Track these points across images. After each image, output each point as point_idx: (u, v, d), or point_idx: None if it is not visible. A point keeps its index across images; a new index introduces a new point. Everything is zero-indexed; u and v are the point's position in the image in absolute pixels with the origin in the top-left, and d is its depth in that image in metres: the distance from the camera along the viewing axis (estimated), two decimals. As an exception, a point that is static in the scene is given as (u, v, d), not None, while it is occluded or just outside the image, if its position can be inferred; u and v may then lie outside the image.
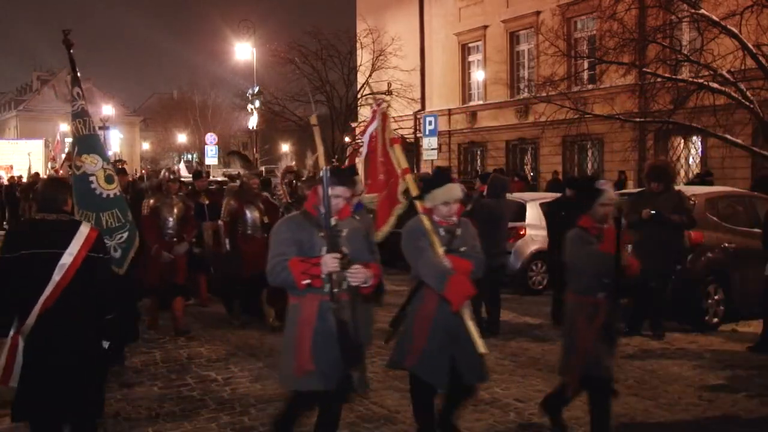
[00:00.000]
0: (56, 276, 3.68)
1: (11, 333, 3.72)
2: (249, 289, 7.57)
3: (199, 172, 10.85)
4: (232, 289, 7.93)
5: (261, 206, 7.76)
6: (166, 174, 7.95)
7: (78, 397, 3.72)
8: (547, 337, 7.38)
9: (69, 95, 5.96)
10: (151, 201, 7.38)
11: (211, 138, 29.93)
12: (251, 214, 7.68)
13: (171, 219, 7.37)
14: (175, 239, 7.34)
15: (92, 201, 5.46)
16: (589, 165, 21.35)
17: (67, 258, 3.71)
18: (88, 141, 5.64)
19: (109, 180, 5.55)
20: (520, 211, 10.12)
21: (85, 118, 5.66)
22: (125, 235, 5.56)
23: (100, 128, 6.75)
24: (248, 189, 7.74)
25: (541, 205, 10.03)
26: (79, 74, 5.75)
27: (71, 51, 5.75)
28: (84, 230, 3.85)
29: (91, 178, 5.48)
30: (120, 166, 12.57)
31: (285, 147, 51.08)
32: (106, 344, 3.96)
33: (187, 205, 7.69)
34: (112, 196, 5.55)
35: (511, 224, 8.67)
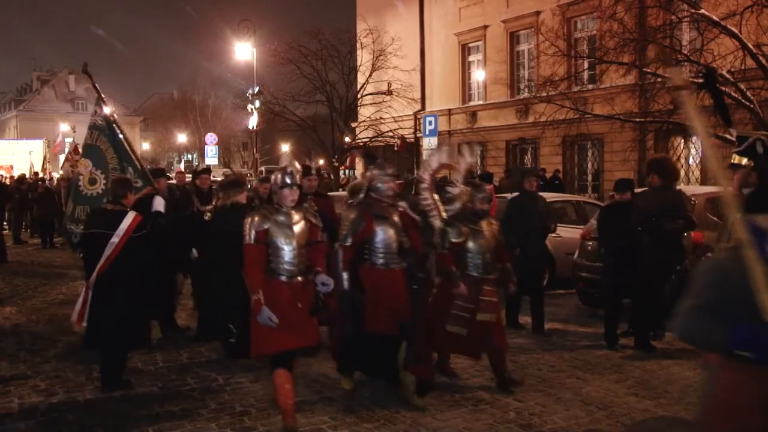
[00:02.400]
0: (107, 251, 5.33)
1: (84, 287, 5.48)
2: (378, 351, 5.14)
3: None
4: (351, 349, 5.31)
5: (398, 222, 5.32)
6: (278, 177, 4.67)
7: (123, 332, 5.46)
8: (544, 340, 7.38)
9: (93, 109, 7.20)
10: (256, 218, 4.58)
11: (211, 138, 29.93)
12: (385, 235, 5.23)
13: (289, 247, 4.59)
14: (299, 278, 4.62)
15: (76, 194, 6.79)
16: (589, 165, 21.35)
17: (115, 239, 5.34)
18: (90, 149, 6.96)
19: (92, 182, 6.79)
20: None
21: (95, 132, 6.94)
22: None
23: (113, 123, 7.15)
24: (380, 198, 5.31)
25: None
26: (103, 96, 7.02)
27: (92, 78, 7.03)
28: (129, 218, 5.43)
29: (79, 177, 6.87)
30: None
31: (285, 147, 51.09)
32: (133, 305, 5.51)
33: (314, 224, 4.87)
34: (92, 194, 6.74)
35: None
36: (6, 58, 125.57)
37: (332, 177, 25.52)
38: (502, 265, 5.86)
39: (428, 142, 21.01)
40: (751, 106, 11.98)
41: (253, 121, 25.96)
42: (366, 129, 27.16)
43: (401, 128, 25.44)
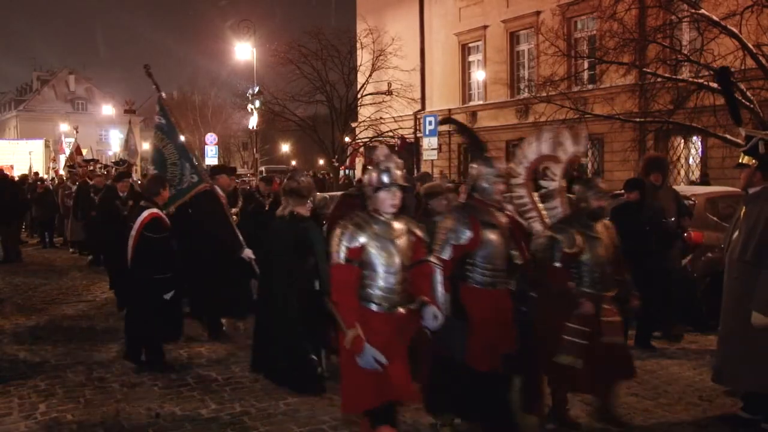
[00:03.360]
0: (129, 243, 5.91)
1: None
2: (483, 392, 4.17)
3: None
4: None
5: (507, 231, 4.35)
6: (373, 176, 3.71)
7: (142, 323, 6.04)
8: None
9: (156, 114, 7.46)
10: (348, 230, 3.62)
11: (211, 138, 29.90)
12: (492, 246, 4.23)
13: (390, 268, 3.65)
14: (401, 309, 3.70)
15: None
16: (590, 165, 21.35)
17: (132, 233, 5.87)
18: (154, 154, 7.36)
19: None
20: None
21: (158, 133, 7.31)
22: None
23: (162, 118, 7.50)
24: (486, 201, 4.34)
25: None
26: (163, 94, 7.47)
27: (153, 77, 7.40)
28: (144, 214, 5.87)
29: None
30: (124, 168, 12.40)
31: (285, 147, 51.09)
32: (168, 295, 5.93)
33: None
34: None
35: None
36: (6, 58, 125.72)
37: (332, 177, 25.55)
38: (621, 278, 4.81)
39: (428, 142, 21.01)
40: (751, 106, 11.98)
41: (253, 121, 25.94)
42: (366, 129, 27.17)
43: (401, 128, 25.44)
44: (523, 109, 22.05)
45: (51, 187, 17.88)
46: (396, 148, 25.88)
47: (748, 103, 11.97)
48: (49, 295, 10.01)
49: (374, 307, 3.58)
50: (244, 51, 26.02)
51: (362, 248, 3.57)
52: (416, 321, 3.67)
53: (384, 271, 3.59)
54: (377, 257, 3.58)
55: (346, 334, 3.44)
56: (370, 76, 25.67)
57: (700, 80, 12.54)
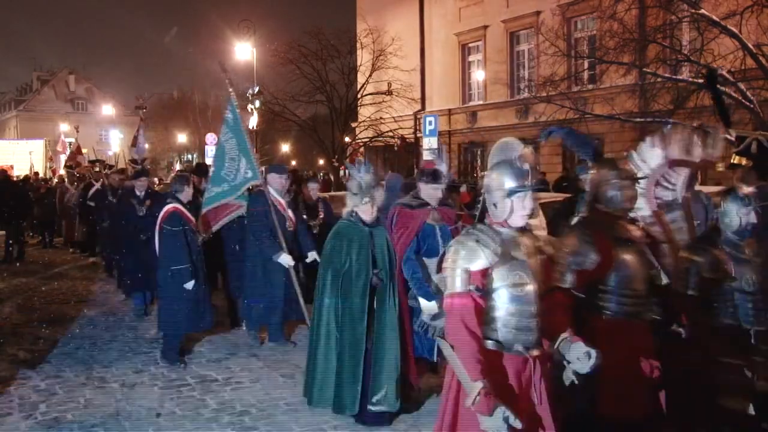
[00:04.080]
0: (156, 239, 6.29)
1: None
2: None
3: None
4: None
5: (645, 248, 3.62)
6: (496, 177, 2.99)
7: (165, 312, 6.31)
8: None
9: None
10: (468, 246, 2.90)
11: (211, 138, 29.86)
12: (629, 269, 3.48)
13: (524, 299, 2.98)
14: (535, 351, 3.02)
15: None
16: (590, 165, 21.32)
17: (156, 228, 6.24)
18: (216, 152, 7.42)
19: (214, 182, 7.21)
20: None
21: (224, 128, 7.33)
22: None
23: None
24: (614, 214, 3.60)
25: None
26: (231, 91, 7.44)
27: (228, 73, 7.53)
28: (164, 209, 6.19)
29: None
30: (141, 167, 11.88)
31: (285, 147, 51.09)
32: (188, 285, 6.09)
33: None
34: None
35: None
36: (6, 58, 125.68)
37: (332, 177, 25.54)
38: None
39: (428, 142, 21.01)
40: (751, 106, 11.99)
41: (253, 121, 25.93)
42: (366, 129, 27.17)
43: (401, 128, 25.45)
44: (523, 109, 22.05)
45: (52, 187, 17.87)
46: (396, 148, 25.97)
47: (748, 103, 11.98)
48: (49, 295, 10.01)
49: (503, 350, 2.79)
50: (244, 51, 26.04)
51: (486, 271, 2.78)
52: (550, 364, 2.93)
53: (514, 301, 2.79)
54: (505, 283, 2.79)
55: (468, 388, 2.63)
56: (370, 76, 25.67)
57: (700, 80, 12.54)
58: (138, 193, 8.52)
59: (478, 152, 25.26)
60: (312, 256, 6.74)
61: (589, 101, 17.51)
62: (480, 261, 2.79)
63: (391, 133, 25.55)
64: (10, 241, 13.80)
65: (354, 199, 4.51)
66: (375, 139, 26.48)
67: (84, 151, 22.70)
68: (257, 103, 24.83)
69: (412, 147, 25.60)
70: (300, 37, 27.26)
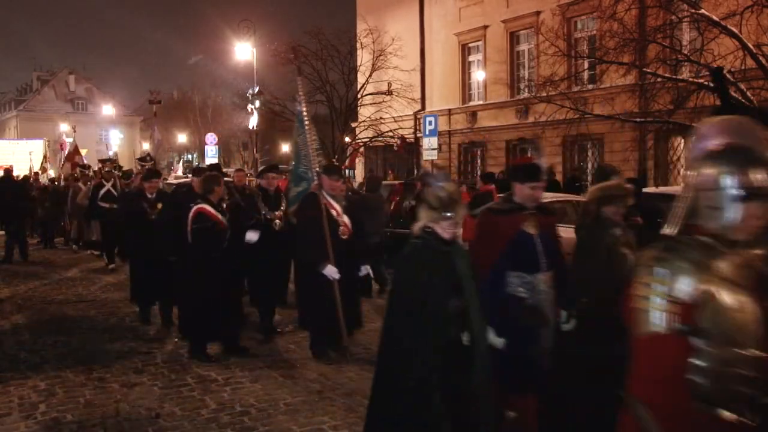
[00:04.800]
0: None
1: None
2: None
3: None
4: None
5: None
6: (716, 175, 2.06)
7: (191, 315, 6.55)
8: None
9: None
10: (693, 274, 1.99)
11: (211, 138, 29.93)
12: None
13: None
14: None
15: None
16: (590, 165, 21.35)
17: (188, 229, 6.33)
18: (294, 150, 7.01)
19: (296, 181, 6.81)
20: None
21: (296, 124, 6.95)
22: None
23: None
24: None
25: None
26: (298, 81, 7.27)
27: (298, 58, 7.22)
28: (192, 210, 6.28)
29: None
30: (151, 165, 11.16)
31: (285, 147, 51.09)
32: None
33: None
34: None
35: None
36: (6, 58, 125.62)
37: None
38: None
39: (428, 142, 21.03)
40: (752, 106, 11.98)
41: (253, 121, 25.99)
42: (366, 129, 27.17)
43: (401, 128, 25.44)
44: (523, 109, 22.05)
45: (56, 186, 17.71)
46: (395, 148, 25.96)
47: (748, 103, 11.97)
48: (49, 295, 10.01)
49: (720, 412, 1.95)
50: (244, 51, 26.05)
51: (696, 304, 1.96)
52: None
53: (734, 344, 1.94)
54: (722, 319, 1.94)
55: None
56: (370, 76, 25.66)
57: (700, 80, 12.54)
58: (149, 195, 7.87)
59: (478, 152, 25.26)
60: (364, 271, 6.20)
61: (589, 101, 17.51)
62: (691, 287, 1.97)
63: (391, 133, 25.54)
64: (12, 242, 13.75)
65: (431, 213, 3.56)
66: (375, 139, 26.47)
67: (83, 151, 22.67)
68: (257, 103, 24.86)
69: (412, 147, 25.60)
70: (300, 37, 27.33)
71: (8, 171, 15.32)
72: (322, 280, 5.99)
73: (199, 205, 6.35)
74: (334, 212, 6.13)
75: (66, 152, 23.14)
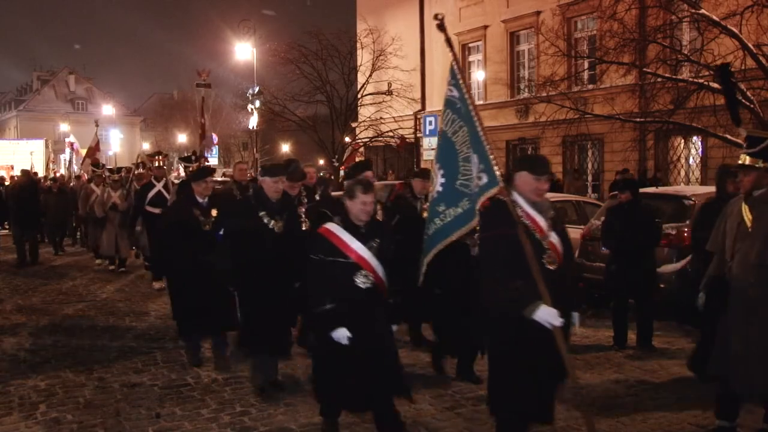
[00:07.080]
0: None
1: None
2: None
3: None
4: None
5: None
6: None
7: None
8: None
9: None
10: None
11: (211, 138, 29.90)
12: None
13: None
14: None
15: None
16: (590, 165, 21.36)
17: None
18: (438, 148, 5.07)
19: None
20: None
21: (447, 111, 4.87)
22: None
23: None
24: None
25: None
26: (450, 56, 4.68)
27: (447, 30, 4.59)
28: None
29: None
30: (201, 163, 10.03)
31: (285, 147, 51.08)
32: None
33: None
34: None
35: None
36: (6, 58, 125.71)
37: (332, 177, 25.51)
38: None
39: (428, 142, 21.02)
40: (752, 106, 11.97)
41: (253, 121, 25.96)
42: (366, 129, 27.17)
43: (401, 128, 25.44)
44: (523, 109, 22.05)
45: (66, 188, 17.40)
46: (395, 148, 25.95)
47: (748, 103, 11.97)
48: (49, 295, 10.01)
49: None
50: (244, 51, 26.04)
51: None
52: None
53: None
54: None
55: None
56: (370, 76, 25.67)
57: (700, 80, 12.53)
58: (200, 200, 6.16)
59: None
60: (575, 319, 3.96)
61: (589, 101, 17.51)
62: None
63: (391, 133, 25.54)
64: (26, 245, 13.27)
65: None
66: (375, 139, 26.46)
67: (83, 151, 22.64)
68: (257, 103, 24.85)
69: (412, 147, 25.59)
70: (300, 37, 27.30)
71: (26, 172, 14.97)
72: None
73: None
74: (535, 229, 3.81)
75: (77, 150, 22.84)
